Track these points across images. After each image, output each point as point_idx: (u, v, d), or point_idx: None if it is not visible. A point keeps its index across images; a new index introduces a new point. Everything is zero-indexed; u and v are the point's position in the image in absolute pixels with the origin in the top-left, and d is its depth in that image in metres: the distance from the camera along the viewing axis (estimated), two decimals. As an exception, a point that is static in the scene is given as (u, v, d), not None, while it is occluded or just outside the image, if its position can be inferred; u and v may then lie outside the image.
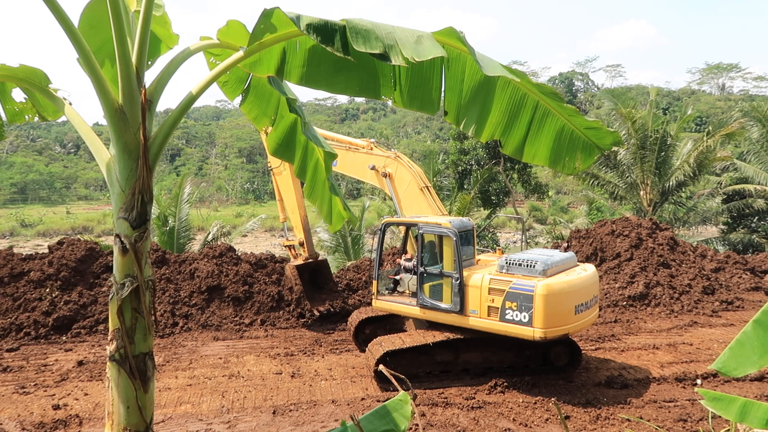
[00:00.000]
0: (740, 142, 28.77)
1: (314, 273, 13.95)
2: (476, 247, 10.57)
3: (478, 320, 9.26)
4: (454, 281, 9.43)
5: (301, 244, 13.41)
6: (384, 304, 10.63)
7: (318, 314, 13.35)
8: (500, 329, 9.05)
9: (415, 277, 10.23)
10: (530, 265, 9.05)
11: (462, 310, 9.37)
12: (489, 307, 9.11)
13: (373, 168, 11.67)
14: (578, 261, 10.44)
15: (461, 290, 9.34)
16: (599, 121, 3.75)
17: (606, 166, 26.69)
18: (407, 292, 10.65)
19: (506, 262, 9.29)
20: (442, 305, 9.64)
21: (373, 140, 12.37)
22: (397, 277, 10.84)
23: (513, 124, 3.83)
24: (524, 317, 8.74)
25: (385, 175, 11.50)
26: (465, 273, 9.43)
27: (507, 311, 8.91)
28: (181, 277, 14.35)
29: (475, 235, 10.34)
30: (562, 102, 3.67)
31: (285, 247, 14.02)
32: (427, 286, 9.93)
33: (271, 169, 13.44)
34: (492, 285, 9.10)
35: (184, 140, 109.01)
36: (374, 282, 10.67)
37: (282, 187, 13.39)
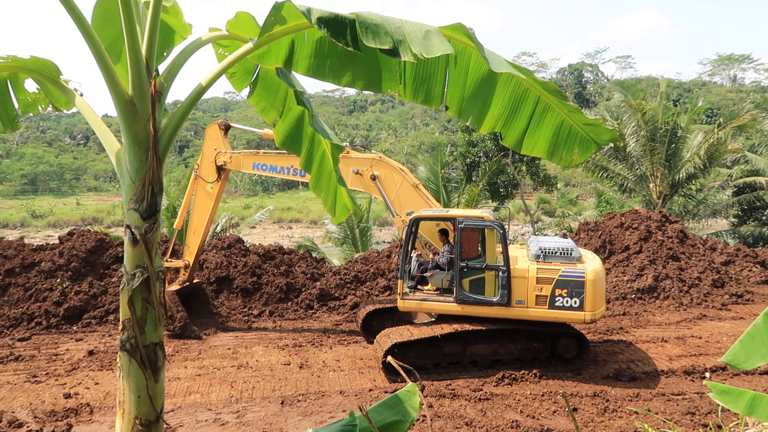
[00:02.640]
0: (752, 134, 28.56)
1: (189, 297, 12.88)
2: None
3: (525, 310, 9.48)
4: (501, 273, 9.51)
5: (186, 267, 12.35)
6: (413, 303, 10.09)
7: (204, 338, 11.91)
8: (549, 316, 9.40)
9: (448, 273, 10.02)
10: (568, 253, 9.50)
11: (508, 301, 9.48)
12: (537, 296, 9.40)
13: (357, 172, 11.32)
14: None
15: (509, 282, 9.45)
16: (599, 119, 3.83)
17: (615, 158, 26.52)
18: (433, 288, 10.27)
19: (542, 252, 9.58)
20: (487, 298, 9.61)
21: (346, 143, 11.88)
22: (428, 275, 10.29)
23: (514, 117, 3.89)
24: (575, 302, 9.24)
25: (373, 178, 11.26)
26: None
27: (557, 298, 9.30)
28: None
29: None
30: (566, 100, 3.72)
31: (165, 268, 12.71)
32: (467, 281, 9.75)
33: (196, 171, 12.27)
34: (540, 274, 9.41)
35: (193, 132, 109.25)
36: (400, 282, 10.07)
37: (198, 202, 12.22)
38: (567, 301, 9.27)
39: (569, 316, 9.34)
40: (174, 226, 12.90)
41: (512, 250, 10.52)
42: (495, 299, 9.52)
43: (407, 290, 10.23)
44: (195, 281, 13.08)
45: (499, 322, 9.68)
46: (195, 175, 12.27)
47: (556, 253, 9.52)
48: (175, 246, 12.97)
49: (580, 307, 9.22)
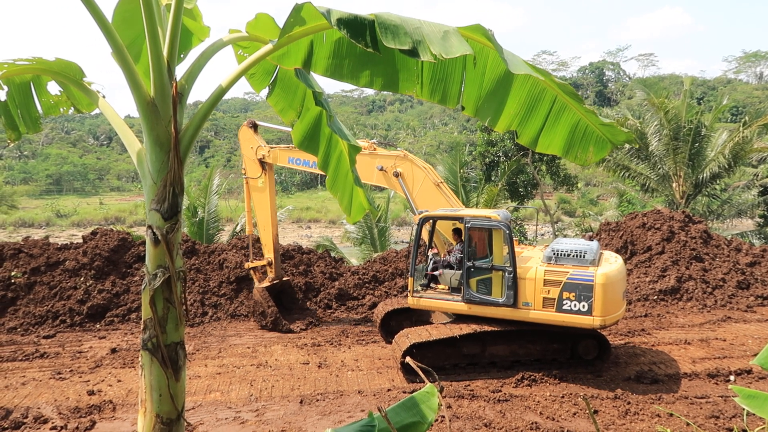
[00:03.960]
0: (778, 133, 27.89)
1: (280, 294, 13.25)
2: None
3: (531, 312, 9.28)
4: (507, 274, 9.37)
5: (270, 264, 12.73)
6: (422, 301, 10.24)
7: (298, 331, 12.44)
8: (557, 320, 9.13)
9: (457, 272, 10.02)
10: (580, 256, 9.17)
11: (515, 303, 9.34)
12: (545, 298, 9.17)
13: (381, 169, 11.44)
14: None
15: (515, 283, 9.32)
16: (614, 122, 3.81)
17: (637, 157, 26.15)
18: (446, 287, 10.31)
19: (554, 254, 9.33)
20: (493, 299, 9.54)
21: (374, 141, 12.11)
22: (437, 273, 10.41)
23: (530, 116, 3.89)
24: (583, 306, 8.92)
25: (396, 175, 11.32)
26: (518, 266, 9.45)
27: (564, 302, 9.03)
28: (210, 268, 14.58)
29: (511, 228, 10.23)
30: (582, 102, 3.70)
31: (249, 270, 13.15)
32: (474, 281, 9.73)
33: (246, 179, 12.67)
34: (548, 277, 9.16)
35: (213, 132, 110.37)
36: (410, 279, 10.24)
37: (256, 200, 12.68)
38: (575, 305, 8.95)
39: (577, 320, 8.98)
40: (247, 233, 13.47)
41: (529, 251, 10.49)
42: (501, 300, 9.43)
43: (418, 288, 10.37)
44: (285, 279, 13.53)
45: (509, 323, 9.58)
46: (245, 180, 12.75)
47: (569, 255, 9.23)
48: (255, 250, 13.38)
49: (589, 312, 8.87)
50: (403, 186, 11.35)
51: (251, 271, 13.12)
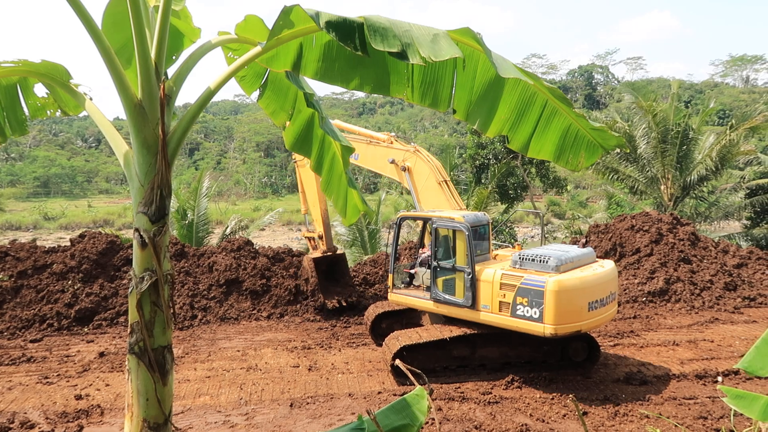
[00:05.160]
0: (764, 136, 28.34)
1: (331, 266, 14.12)
2: (495, 242, 10.55)
3: (489, 315, 9.26)
4: (466, 276, 9.44)
5: (320, 237, 13.58)
6: (399, 297, 10.70)
7: (330, 308, 13.44)
8: (511, 325, 9.03)
9: (429, 271, 10.26)
10: (543, 261, 8.96)
11: (474, 304, 9.37)
12: (501, 302, 9.09)
13: (392, 162, 11.69)
14: (597, 257, 10.32)
15: (473, 285, 9.34)
16: (604, 126, 3.83)
17: (626, 160, 26.33)
18: (422, 286, 10.66)
19: (519, 258, 9.23)
20: (455, 299, 9.65)
21: (393, 134, 12.32)
22: (413, 271, 10.89)
23: (521, 121, 3.90)
24: (535, 313, 8.69)
25: (404, 169, 11.49)
26: (477, 268, 9.40)
27: (518, 307, 8.88)
28: (199, 271, 14.51)
29: (490, 230, 10.26)
30: (571, 107, 3.71)
31: (305, 238, 14.21)
32: (440, 280, 9.94)
33: (295, 162, 13.64)
34: (504, 280, 9.08)
35: (203, 134, 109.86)
36: (390, 275, 10.81)
37: (304, 179, 13.60)
38: (527, 311, 8.77)
39: (529, 326, 8.80)
40: (302, 212, 14.50)
41: (504, 252, 10.58)
42: (461, 301, 9.54)
43: (399, 284, 10.85)
44: (339, 252, 14.19)
45: (470, 325, 9.69)
46: (295, 164, 13.68)
47: (533, 260, 9.06)
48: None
49: (540, 319, 8.64)
50: (410, 181, 11.47)
51: (307, 240, 14.20)
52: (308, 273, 13.54)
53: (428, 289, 10.26)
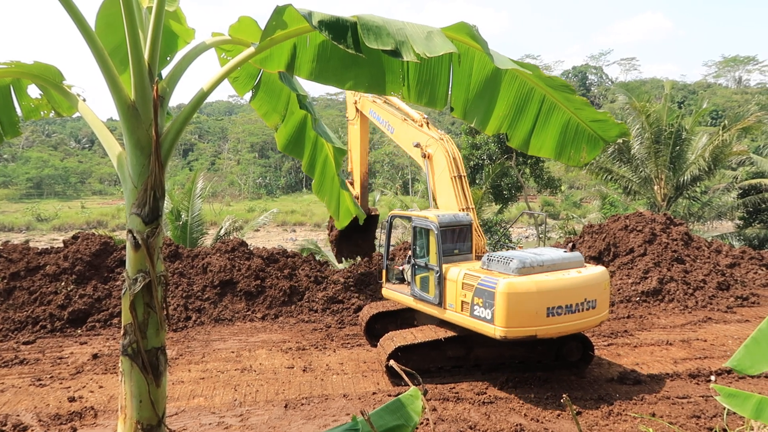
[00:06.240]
0: (757, 136, 28.49)
1: (368, 226, 14.43)
2: (511, 243, 10.57)
3: (453, 314, 9.35)
4: (435, 274, 9.65)
5: (357, 198, 13.60)
6: (389, 292, 11.11)
7: (338, 264, 14.16)
8: (469, 325, 9.05)
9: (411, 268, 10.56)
10: (507, 262, 8.88)
11: (441, 303, 9.52)
12: (462, 301, 9.12)
13: (417, 145, 11.41)
14: (593, 260, 10.32)
15: (440, 283, 9.51)
16: (607, 113, 3.77)
17: (620, 160, 26.45)
18: (406, 282, 10.92)
19: (487, 258, 9.24)
20: (428, 297, 9.87)
21: (427, 117, 11.93)
22: (401, 268, 11.12)
23: (519, 118, 3.86)
24: (488, 314, 8.62)
25: (424, 156, 11.26)
26: (445, 267, 9.54)
27: (475, 307, 8.86)
28: (194, 272, 14.46)
29: (473, 230, 10.25)
30: (573, 93, 3.67)
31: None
32: (418, 278, 10.19)
33: (348, 120, 14.02)
34: (465, 280, 9.11)
35: (197, 135, 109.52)
36: (383, 271, 11.24)
37: (351, 139, 13.87)
38: (482, 312, 8.70)
39: (482, 327, 8.73)
40: (349, 170, 14.74)
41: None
42: (431, 299, 9.72)
43: (393, 280, 11.21)
44: (373, 214, 14.46)
45: (440, 324, 9.84)
46: (348, 122, 14.03)
47: (498, 261, 8.98)
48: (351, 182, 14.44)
49: (492, 321, 8.53)
50: (427, 170, 11.28)
51: None
52: (332, 225, 14.05)
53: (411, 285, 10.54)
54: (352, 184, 13.93)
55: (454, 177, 10.85)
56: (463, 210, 10.51)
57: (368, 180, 13.90)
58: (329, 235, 14.29)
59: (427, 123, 11.60)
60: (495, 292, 8.45)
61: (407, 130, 11.69)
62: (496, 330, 8.50)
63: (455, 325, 9.42)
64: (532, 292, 8.49)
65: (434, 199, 11.27)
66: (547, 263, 9.04)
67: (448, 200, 10.85)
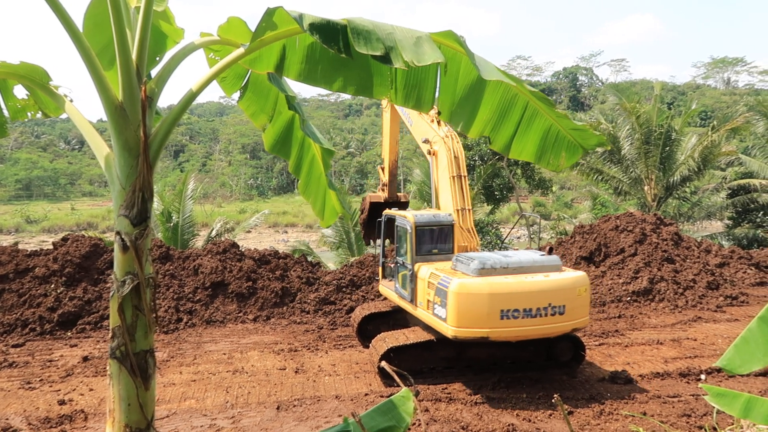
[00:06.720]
0: (745, 137, 28.72)
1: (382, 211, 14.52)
2: (512, 245, 10.62)
3: (421, 312, 9.48)
4: (408, 272, 9.86)
5: (384, 186, 13.66)
6: (383, 289, 11.35)
7: (366, 245, 14.64)
8: (431, 323, 9.15)
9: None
10: (468, 263, 8.88)
11: (413, 300, 9.72)
12: (428, 300, 9.23)
13: (425, 141, 11.38)
14: (577, 263, 10.39)
15: (413, 281, 9.70)
16: (586, 125, 3.87)
17: (610, 161, 26.61)
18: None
19: (456, 259, 9.28)
20: (404, 294, 10.07)
21: (438, 112, 11.79)
22: (391, 265, 11.26)
23: (502, 122, 3.93)
24: (443, 313, 8.67)
25: (430, 152, 11.26)
26: (417, 266, 9.71)
27: (435, 306, 8.94)
28: (185, 273, 14.39)
29: (455, 230, 10.23)
30: (553, 107, 3.75)
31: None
32: (400, 276, 10.35)
33: (381, 106, 13.86)
34: (430, 279, 9.19)
35: (188, 136, 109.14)
36: (379, 268, 11.63)
37: (383, 126, 13.74)
38: (440, 311, 8.72)
39: (440, 326, 8.76)
40: (381, 156, 14.59)
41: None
42: (406, 295, 9.90)
43: (388, 276, 11.38)
44: (402, 201, 14.02)
45: (414, 321, 10.05)
46: (382, 109, 13.82)
47: (463, 261, 9.01)
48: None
49: (446, 320, 8.55)
50: (432, 167, 11.30)
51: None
52: (365, 207, 13.98)
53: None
54: (383, 169, 13.89)
55: (453, 176, 10.75)
56: (457, 210, 10.46)
57: (397, 167, 13.81)
58: (360, 217, 14.35)
59: (436, 119, 11.38)
60: (448, 291, 8.52)
61: (420, 124, 11.62)
62: (448, 329, 8.55)
63: (422, 322, 9.62)
64: (483, 293, 8.43)
65: (436, 198, 11.27)
66: (513, 265, 8.91)
67: (446, 200, 10.77)
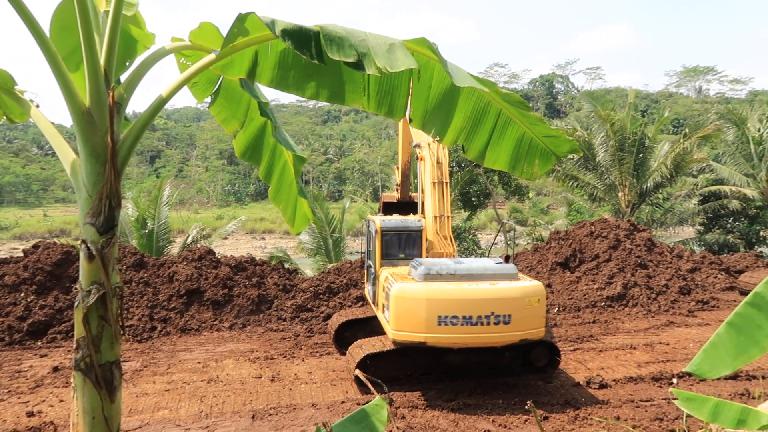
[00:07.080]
0: (716, 144, 29.29)
1: (406, 211, 14.44)
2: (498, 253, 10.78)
3: (380, 315, 9.71)
4: (371, 275, 10.25)
5: (397, 186, 13.89)
6: (365, 292, 11.68)
7: None
8: (383, 326, 9.39)
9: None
10: (416, 268, 8.99)
11: (375, 302, 10.03)
12: (382, 303, 9.47)
13: (416, 146, 11.46)
14: (551, 271, 10.60)
15: (374, 284, 10.06)
16: (560, 130, 3.93)
17: (585, 167, 26.95)
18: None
19: (411, 264, 9.39)
20: (371, 297, 10.41)
21: (410, 119, 11.86)
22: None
23: (476, 130, 3.94)
24: (388, 317, 8.90)
25: (417, 158, 11.41)
26: (380, 270, 9.96)
27: (385, 309, 9.15)
28: (159, 281, 14.18)
29: (424, 236, 10.43)
30: (529, 110, 3.78)
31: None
32: (372, 278, 10.66)
33: None
34: (384, 282, 9.40)
35: (165, 142, 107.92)
36: (365, 272, 11.84)
37: (399, 128, 13.88)
38: (387, 314, 8.96)
39: (387, 329, 9.00)
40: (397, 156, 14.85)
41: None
42: (371, 299, 10.17)
43: (372, 280, 11.37)
44: (415, 201, 13.96)
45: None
46: None
47: (415, 267, 9.07)
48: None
49: (389, 323, 8.76)
50: (419, 172, 11.46)
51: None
52: (378, 209, 14.10)
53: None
54: (397, 169, 14.09)
55: (434, 183, 10.84)
56: (435, 217, 10.52)
57: (409, 168, 13.91)
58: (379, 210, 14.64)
59: None
60: (389, 295, 8.69)
61: (412, 128, 11.77)
62: (390, 333, 8.72)
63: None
64: (420, 298, 8.45)
65: (422, 203, 11.35)
66: (461, 272, 8.84)
67: (428, 206, 10.88)
